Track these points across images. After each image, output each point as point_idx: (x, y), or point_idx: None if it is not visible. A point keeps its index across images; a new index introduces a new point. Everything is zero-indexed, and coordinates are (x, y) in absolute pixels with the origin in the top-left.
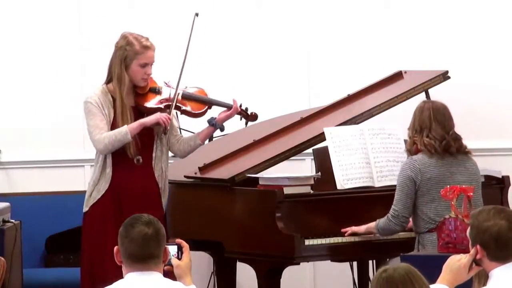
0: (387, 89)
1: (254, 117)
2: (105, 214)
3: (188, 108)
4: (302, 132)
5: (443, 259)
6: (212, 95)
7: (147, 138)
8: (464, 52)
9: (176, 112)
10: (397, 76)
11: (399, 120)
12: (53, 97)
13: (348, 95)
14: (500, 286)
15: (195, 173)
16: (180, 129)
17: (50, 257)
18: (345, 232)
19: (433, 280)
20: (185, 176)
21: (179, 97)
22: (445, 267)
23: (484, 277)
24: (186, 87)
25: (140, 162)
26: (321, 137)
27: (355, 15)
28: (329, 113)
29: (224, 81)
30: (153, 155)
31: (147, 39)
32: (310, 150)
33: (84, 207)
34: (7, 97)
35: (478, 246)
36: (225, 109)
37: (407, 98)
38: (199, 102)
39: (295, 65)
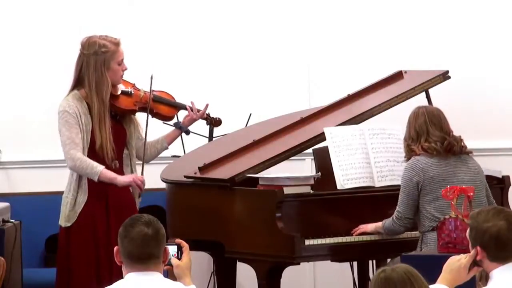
0: (387, 89)
1: (218, 122)
2: (95, 223)
3: (160, 111)
4: (302, 132)
5: (443, 259)
6: (178, 99)
7: (121, 143)
8: (464, 52)
9: (148, 115)
10: (397, 76)
11: (399, 120)
12: (54, 98)
13: (348, 95)
14: (500, 286)
15: (195, 173)
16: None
17: (50, 257)
18: (350, 233)
19: (433, 280)
20: (185, 176)
21: (151, 100)
22: (445, 267)
23: (485, 277)
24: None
25: (117, 166)
26: (321, 137)
27: (355, 14)
28: (329, 113)
29: (224, 82)
30: (123, 158)
31: (111, 36)
32: (310, 150)
33: (63, 222)
34: (7, 97)
35: (478, 248)
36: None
37: (407, 98)
38: (169, 106)
39: (295, 65)
